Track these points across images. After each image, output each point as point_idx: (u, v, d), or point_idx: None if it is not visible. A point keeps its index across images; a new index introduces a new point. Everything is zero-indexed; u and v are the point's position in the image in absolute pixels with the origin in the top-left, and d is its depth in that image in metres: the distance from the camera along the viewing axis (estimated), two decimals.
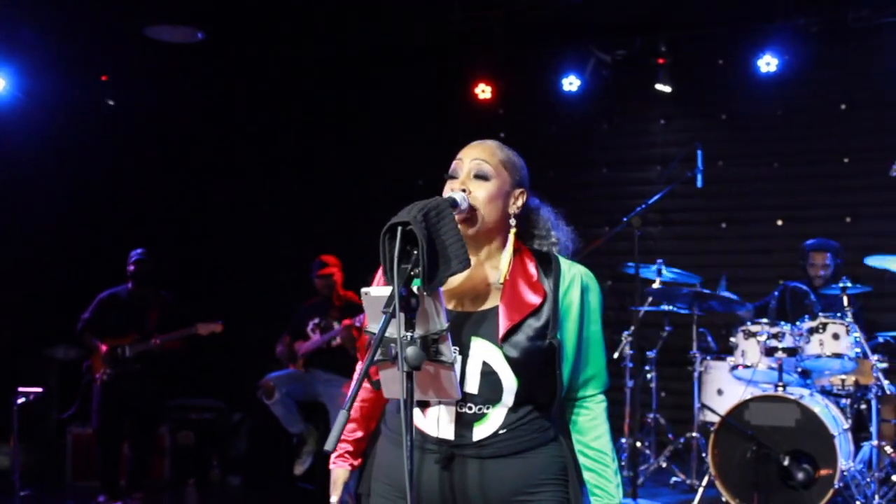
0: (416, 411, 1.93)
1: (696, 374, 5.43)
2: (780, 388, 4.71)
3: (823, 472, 4.46)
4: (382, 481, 2.05)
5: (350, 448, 2.16)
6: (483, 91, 6.53)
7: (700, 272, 5.76)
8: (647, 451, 5.79)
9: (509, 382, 1.90)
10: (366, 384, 2.05)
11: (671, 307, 5.64)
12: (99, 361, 5.44)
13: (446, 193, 1.97)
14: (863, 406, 5.01)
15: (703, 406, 5.31)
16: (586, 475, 2.02)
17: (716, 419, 4.82)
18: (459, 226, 1.84)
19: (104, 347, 5.42)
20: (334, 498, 2.14)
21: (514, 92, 6.67)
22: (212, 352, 5.93)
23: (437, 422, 1.92)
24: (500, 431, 1.91)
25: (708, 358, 5.49)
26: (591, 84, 6.44)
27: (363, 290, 1.88)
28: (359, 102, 7.26)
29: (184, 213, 7.46)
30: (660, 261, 5.58)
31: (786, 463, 4.51)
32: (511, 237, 2.01)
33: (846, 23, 5.80)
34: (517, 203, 2.03)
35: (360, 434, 2.16)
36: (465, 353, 1.91)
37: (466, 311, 1.96)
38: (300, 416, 5.55)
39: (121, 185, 7.33)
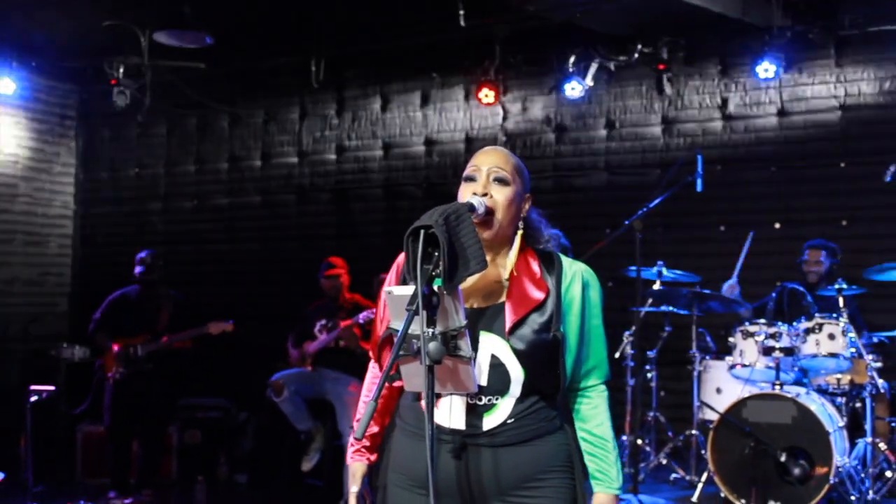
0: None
1: (695, 374, 5.52)
2: (778, 387, 4.78)
3: (819, 468, 4.54)
4: (398, 472, 2.14)
5: (367, 443, 2.24)
6: (486, 95, 6.60)
7: (699, 274, 5.84)
8: (648, 449, 5.87)
9: (516, 374, 2.02)
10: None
11: (671, 308, 5.71)
12: (111, 360, 5.51)
13: (463, 196, 2.08)
14: (857, 404, 5.09)
15: (703, 404, 5.39)
16: (588, 461, 2.11)
17: (715, 417, 4.89)
18: (477, 229, 1.95)
19: (116, 347, 5.51)
20: (354, 488, 2.22)
21: (517, 96, 6.75)
22: (218, 352, 6.00)
23: (448, 413, 2.03)
24: (509, 421, 2.02)
25: (707, 357, 5.57)
26: (593, 89, 6.52)
27: (386, 288, 1.99)
28: (364, 105, 7.32)
29: (190, 214, 7.56)
30: (660, 263, 5.65)
31: (783, 459, 4.57)
32: (518, 238, 2.13)
33: (843, 30, 5.86)
34: (525, 207, 2.16)
35: (375, 429, 2.24)
36: (475, 347, 2.01)
37: (476, 308, 2.07)
38: (308, 413, 5.62)
39: (128, 186, 7.41)
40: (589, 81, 6.46)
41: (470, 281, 2.05)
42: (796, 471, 4.55)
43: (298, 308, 5.98)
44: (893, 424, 5.01)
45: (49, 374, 6.51)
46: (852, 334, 4.85)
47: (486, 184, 2.09)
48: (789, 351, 4.89)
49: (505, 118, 6.95)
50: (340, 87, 7.41)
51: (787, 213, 6.32)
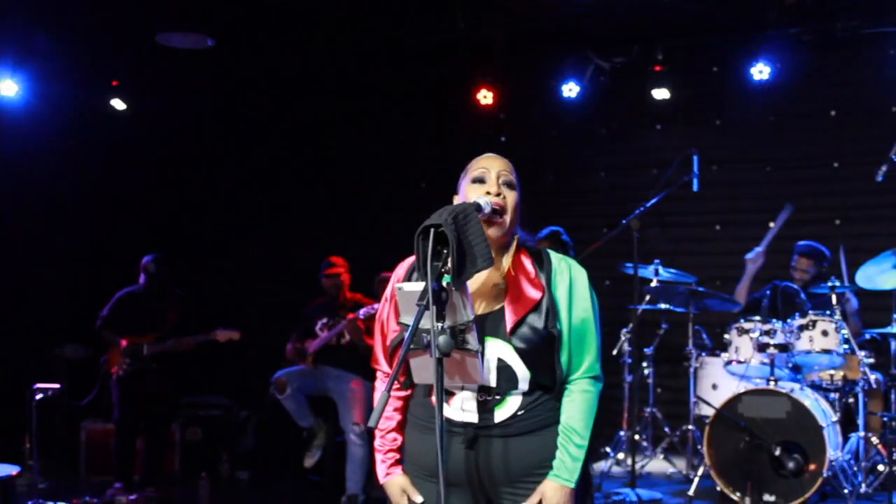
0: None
1: (691, 370, 5.60)
2: (772, 383, 4.84)
3: (813, 462, 4.59)
4: (411, 463, 2.23)
5: (397, 456, 2.27)
6: (485, 97, 6.63)
7: (695, 272, 5.91)
8: (645, 444, 5.95)
9: (523, 373, 2.11)
10: (395, 394, 2.23)
11: (668, 306, 5.80)
12: (117, 356, 5.54)
13: (472, 197, 2.16)
14: (850, 399, 5.16)
15: (699, 400, 5.45)
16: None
17: (711, 412, 4.95)
18: (485, 228, 2.02)
19: (124, 342, 5.55)
20: (418, 498, 2.20)
21: (514, 98, 6.79)
22: (219, 351, 6.05)
23: (461, 408, 2.12)
24: (519, 413, 2.11)
25: (703, 354, 5.65)
26: (590, 90, 6.56)
27: (397, 285, 2.07)
28: (364, 107, 7.39)
29: (192, 215, 7.59)
30: (657, 261, 5.72)
31: (777, 453, 4.62)
32: (515, 240, 2.21)
33: (836, 32, 5.92)
34: (519, 213, 2.25)
35: (400, 440, 2.28)
36: (481, 353, 2.08)
37: (479, 315, 2.13)
38: (310, 410, 5.67)
39: (130, 189, 7.43)
40: (586, 83, 6.53)
41: (473, 283, 2.13)
42: (791, 465, 4.60)
43: (299, 307, 6.03)
44: (885, 419, 5.09)
45: (52, 371, 6.56)
46: (845, 331, 4.93)
47: (498, 186, 2.18)
48: (783, 347, 4.95)
49: (503, 119, 7.02)
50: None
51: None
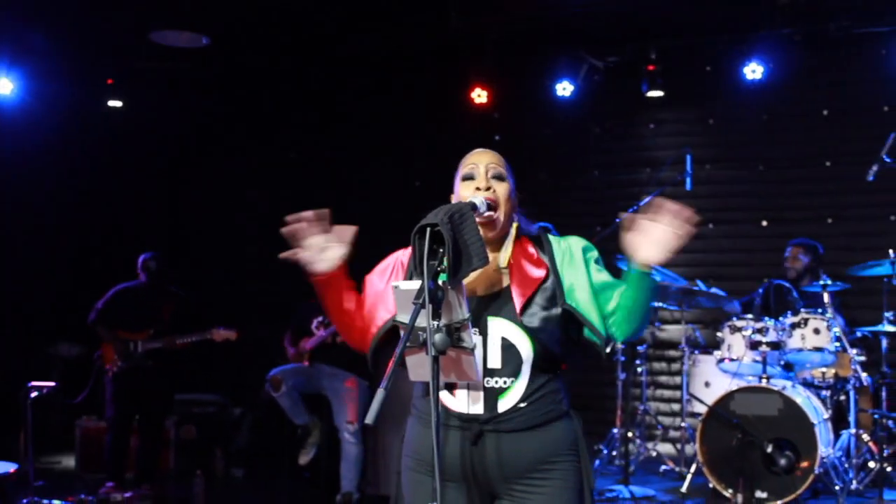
0: (445, 392, 2.15)
1: (684, 368, 5.64)
2: (765, 380, 4.88)
3: (805, 458, 4.64)
4: (412, 457, 2.25)
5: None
6: (479, 96, 6.65)
7: (689, 271, 5.96)
8: (638, 441, 5.98)
9: (526, 352, 2.13)
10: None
11: (661, 304, 5.83)
12: (111, 353, 5.52)
13: (464, 194, 2.19)
14: (842, 397, 5.20)
15: (692, 397, 5.49)
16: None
17: (703, 409, 4.98)
18: (481, 228, 2.05)
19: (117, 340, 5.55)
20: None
21: (508, 96, 6.82)
22: (214, 348, 6.06)
23: (466, 400, 2.14)
24: (521, 405, 2.13)
25: (696, 352, 5.68)
26: (584, 89, 6.60)
27: (393, 283, 2.09)
28: (359, 106, 7.42)
29: (186, 214, 7.61)
30: None
31: (769, 450, 4.66)
32: (514, 228, 2.24)
33: (828, 33, 5.97)
34: (515, 202, 2.27)
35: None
36: (484, 333, 2.13)
37: (481, 296, 2.18)
38: (305, 408, 5.68)
39: (125, 187, 7.44)
40: (580, 82, 6.56)
41: (473, 273, 2.15)
42: (782, 461, 4.64)
43: (294, 305, 6.03)
44: (876, 416, 5.13)
45: (46, 369, 6.56)
46: (837, 329, 4.97)
47: (487, 180, 2.21)
48: (776, 345, 4.99)
49: (497, 118, 7.04)
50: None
51: (773, 212, 6.44)
